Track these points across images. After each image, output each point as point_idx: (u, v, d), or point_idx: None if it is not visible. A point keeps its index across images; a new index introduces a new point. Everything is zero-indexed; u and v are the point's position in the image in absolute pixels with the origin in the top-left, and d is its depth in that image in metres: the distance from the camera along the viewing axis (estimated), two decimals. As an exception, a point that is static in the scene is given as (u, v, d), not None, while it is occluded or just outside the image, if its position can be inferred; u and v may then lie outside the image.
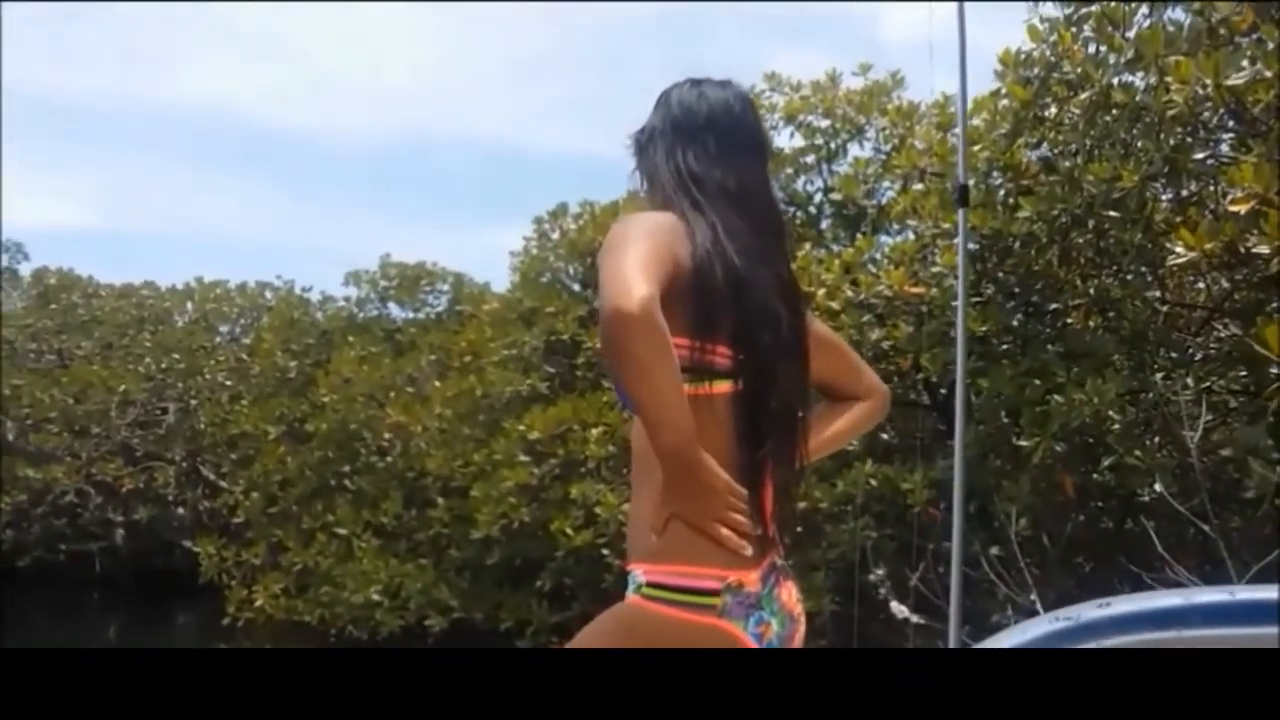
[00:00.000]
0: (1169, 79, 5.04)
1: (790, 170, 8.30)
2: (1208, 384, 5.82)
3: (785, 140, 8.14)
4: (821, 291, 6.52)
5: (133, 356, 15.67)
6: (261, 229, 37.97)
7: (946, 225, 6.21)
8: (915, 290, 6.36)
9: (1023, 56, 6.11)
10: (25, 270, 19.63)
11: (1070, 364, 5.98)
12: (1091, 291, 6.33)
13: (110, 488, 14.76)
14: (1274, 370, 4.82)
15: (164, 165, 36.04)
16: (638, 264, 1.70)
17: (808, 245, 7.59)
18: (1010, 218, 6.10)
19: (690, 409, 1.71)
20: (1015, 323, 6.60)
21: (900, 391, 6.86)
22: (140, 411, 15.12)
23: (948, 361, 6.01)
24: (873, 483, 6.46)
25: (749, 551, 1.77)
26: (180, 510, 14.82)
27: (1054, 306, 6.57)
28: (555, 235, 10.84)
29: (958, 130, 4.56)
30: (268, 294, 16.48)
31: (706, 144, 1.99)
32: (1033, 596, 4.89)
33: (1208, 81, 4.85)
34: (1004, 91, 6.28)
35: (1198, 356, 6.20)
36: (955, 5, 4.17)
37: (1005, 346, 6.60)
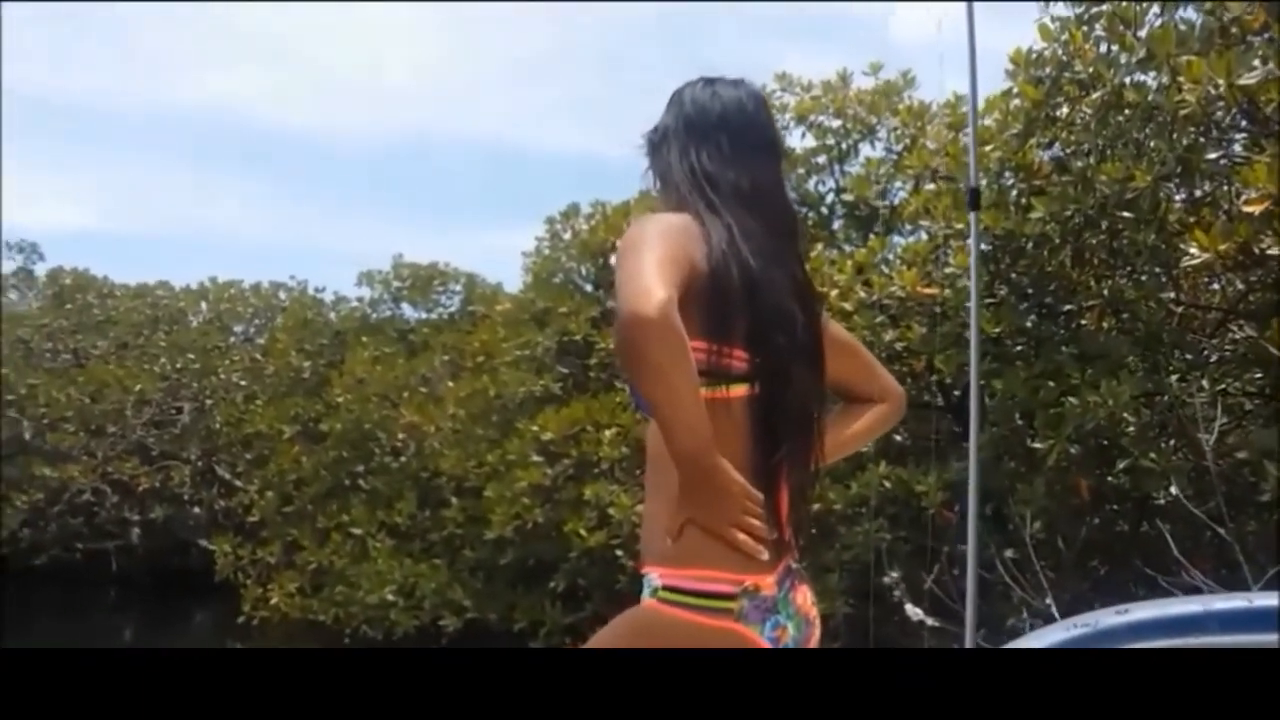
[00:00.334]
0: (1181, 78, 5.02)
1: (802, 171, 8.29)
2: (1223, 386, 5.80)
3: (796, 140, 8.14)
4: (834, 292, 6.51)
5: (148, 356, 15.75)
6: (262, 229, 38.13)
7: (959, 225, 6.19)
8: (928, 291, 6.35)
9: (1034, 56, 6.10)
10: (41, 270, 19.77)
11: (1084, 366, 5.96)
12: (1105, 293, 6.31)
13: (126, 487, 14.85)
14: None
15: (167, 165, 36.29)
16: (655, 267, 1.70)
17: (820, 246, 7.59)
18: (1023, 218, 6.09)
19: (707, 413, 1.71)
20: (1029, 324, 6.59)
21: (914, 393, 6.85)
22: (156, 411, 15.20)
23: (961, 363, 6.01)
24: (887, 485, 6.45)
25: (765, 556, 1.77)
26: (196, 509, 14.89)
27: (1067, 308, 6.54)
28: (567, 236, 10.85)
29: (969, 131, 4.55)
30: (281, 294, 16.57)
31: (720, 143, 1.98)
32: (1048, 600, 4.88)
33: (1220, 81, 4.83)
34: (1015, 91, 6.26)
35: (1213, 358, 6.17)
36: (964, 5, 4.16)
37: (1019, 348, 6.58)
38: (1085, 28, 5.83)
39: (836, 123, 8.18)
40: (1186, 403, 5.32)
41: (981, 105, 6.04)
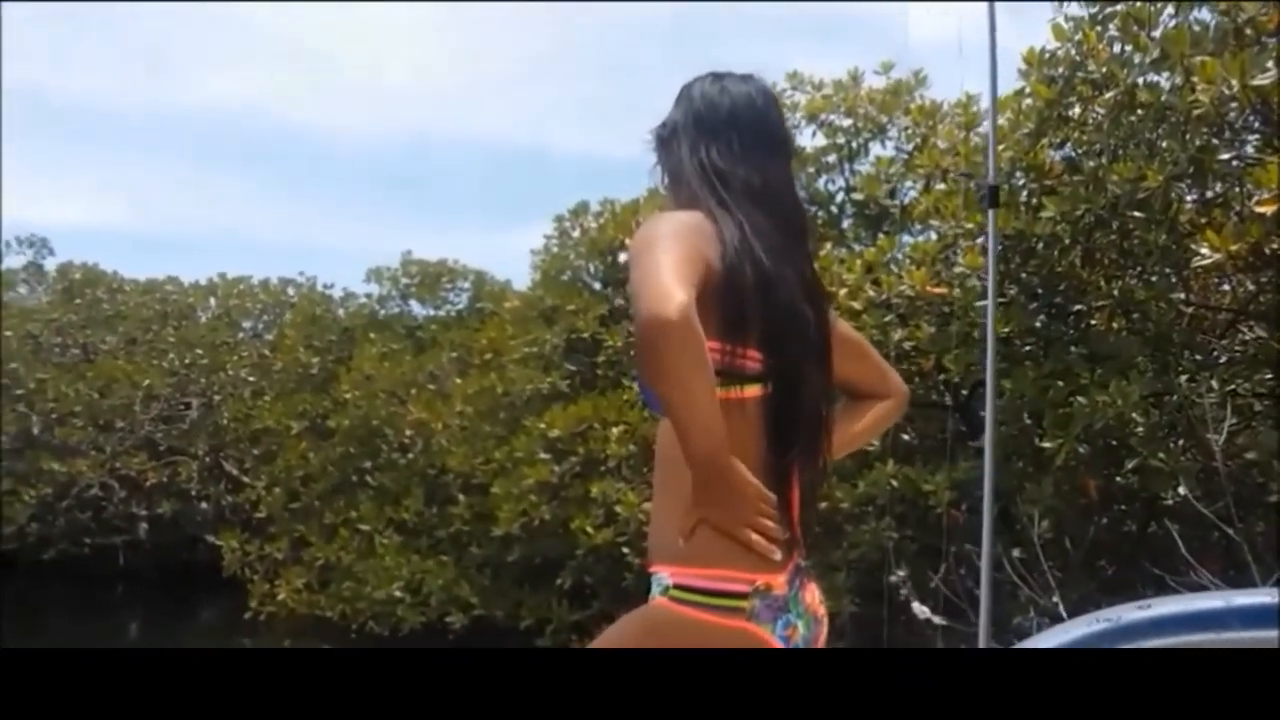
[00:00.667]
0: (1194, 79, 5.01)
1: (812, 169, 8.28)
2: (1233, 387, 5.78)
3: (807, 139, 8.12)
4: (843, 291, 6.50)
5: (156, 352, 15.78)
6: (269, 226, 38.21)
7: (969, 225, 6.19)
8: (938, 290, 6.34)
9: (1047, 56, 6.08)
10: (50, 265, 19.81)
11: (1094, 366, 5.95)
12: (1115, 293, 6.29)
13: (134, 482, 14.88)
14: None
15: (173, 164, 36.30)
16: (673, 268, 1.69)
17: (829, 245, 7.57)
18: (1033, 218, 6.07)
19: (722, 414, 1.70)
20: (1038, 324, 6.57)
21: (922, 392, 6.84)
22: (164, 406, 15.23)
23: (970, 363, 6.00)
24: (894, 484, 6.44)
25: (778, 556, 1.77)
26: (203, 505, 14.92)
27: (1077, 308, 6.53)
28: (576, 233, 10.85)
29: (987, 131, 4.55)
30: (290, 291, 16.57)
31: (731, 140, 1.96)
32: (1055, 599, 4.88)
33: (1233, 81, 4.82)
34: (1028, 91, 6.25)
35: (1223, 359, 6.16)
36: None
37: (1028, 348, 6.57)
38: (1099, 28, 5.82)
39: (847, 121, 8.16)
40: (1196, 403, 5.31)
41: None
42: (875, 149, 8.17)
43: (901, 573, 5.54)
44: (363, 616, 10.81)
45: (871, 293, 6.54)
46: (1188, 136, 5.40)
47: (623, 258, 9.29)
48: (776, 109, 2.10)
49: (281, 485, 12.80)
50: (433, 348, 12.74)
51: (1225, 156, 5.45)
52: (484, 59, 40.13)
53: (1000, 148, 6.17)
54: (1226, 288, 6.34)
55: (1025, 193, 6.33)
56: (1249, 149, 5.49)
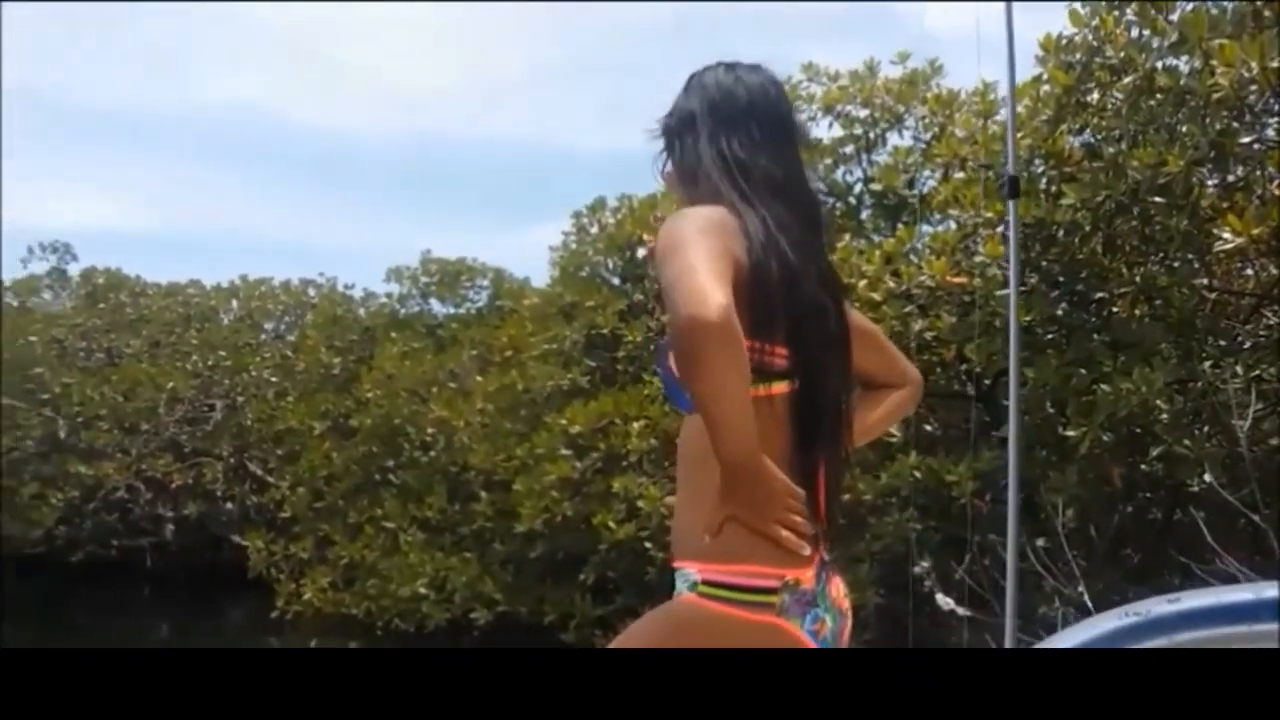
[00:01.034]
0: (1214, 62, 4.97)
1: (829, 161, 8.25)
2: (1257, 372, 5.74)
3: (824, 131, 8.09)
4: (863, 283, 6.47)
5: (180, 354, 15.90)
6: (290, 227, 38.40)
7: (989, 214, 6.15)
8: (958, 280, 6.31)
9: (1065, 42, 6.04)
10: (74, 270, 19.97)
11: (1117, 353, 5.92)
12: (1137, 279, 6.26)
13: (160, 484, 14.99)
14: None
15: (173, 166, 36.45)
16: (708, 267, 1.67)
17: (848, 236, 7.54)
18: (1054, 205, 6.04)
19: (753, 412, 1.70)
20: (1060, 312, 6.53)
21: (944, 382, 6.82)
22: (188, 408, 15.33)
23: (992, 352, 5.97)
24: (917, 475, 6.41)
25: (807, 552, 1.76)
26: (229, 505, 15.01)
27: (1099, 295, 6.49)
28: (594, 230, 10.85)
29: (1001, 117, 4.53)
30: (311, 291, 16.66)
31: (750, 131, 1.93)
32: (1080, 589, 4.85)
33: (1253, 64, 4.79)
34: (1046, 77, 6.21)
35: (1246, 344, 6.11)
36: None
37: (1050, 336, 6.53)
38: (1116, 12, 5.78)
39: (864, 112, 8.12)
40: (1220, 389, 5.27)
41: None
42: (893, 139, 8.13)
43: (925, 564, 5.52)
44: (388, 614, 10.87)
45: (891, 283, 6.51)
46: (1208, 120, 5.36)
47: (641, 253, 9.29)
48: (787, 99, 2.07)
49: (305, 485, 12.87)
50: (453, 346, 12.78)
51: (1246, 140, 5.41)
52: (498, 58, 40.20)
53: (1019, 135, 6.14)
54: (1249, 272, 6.29)
55: (1045, 180, 6.30)
56: (1270, 132, 5.44)
